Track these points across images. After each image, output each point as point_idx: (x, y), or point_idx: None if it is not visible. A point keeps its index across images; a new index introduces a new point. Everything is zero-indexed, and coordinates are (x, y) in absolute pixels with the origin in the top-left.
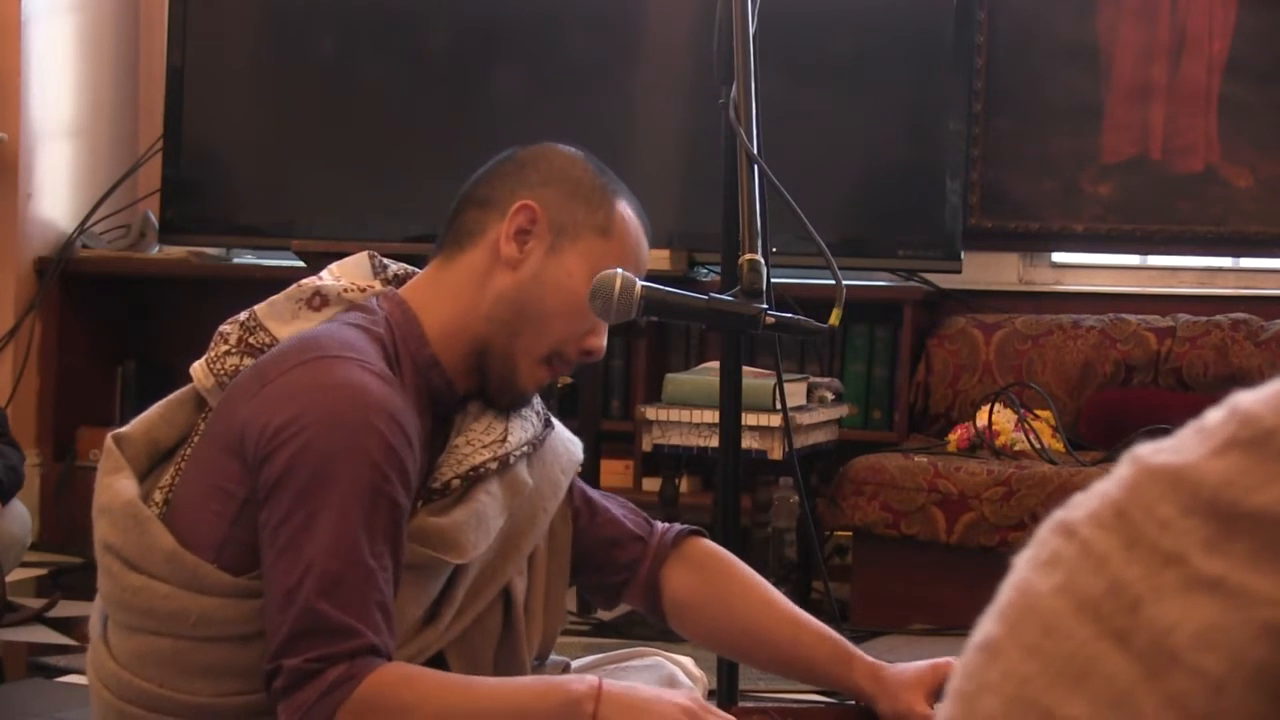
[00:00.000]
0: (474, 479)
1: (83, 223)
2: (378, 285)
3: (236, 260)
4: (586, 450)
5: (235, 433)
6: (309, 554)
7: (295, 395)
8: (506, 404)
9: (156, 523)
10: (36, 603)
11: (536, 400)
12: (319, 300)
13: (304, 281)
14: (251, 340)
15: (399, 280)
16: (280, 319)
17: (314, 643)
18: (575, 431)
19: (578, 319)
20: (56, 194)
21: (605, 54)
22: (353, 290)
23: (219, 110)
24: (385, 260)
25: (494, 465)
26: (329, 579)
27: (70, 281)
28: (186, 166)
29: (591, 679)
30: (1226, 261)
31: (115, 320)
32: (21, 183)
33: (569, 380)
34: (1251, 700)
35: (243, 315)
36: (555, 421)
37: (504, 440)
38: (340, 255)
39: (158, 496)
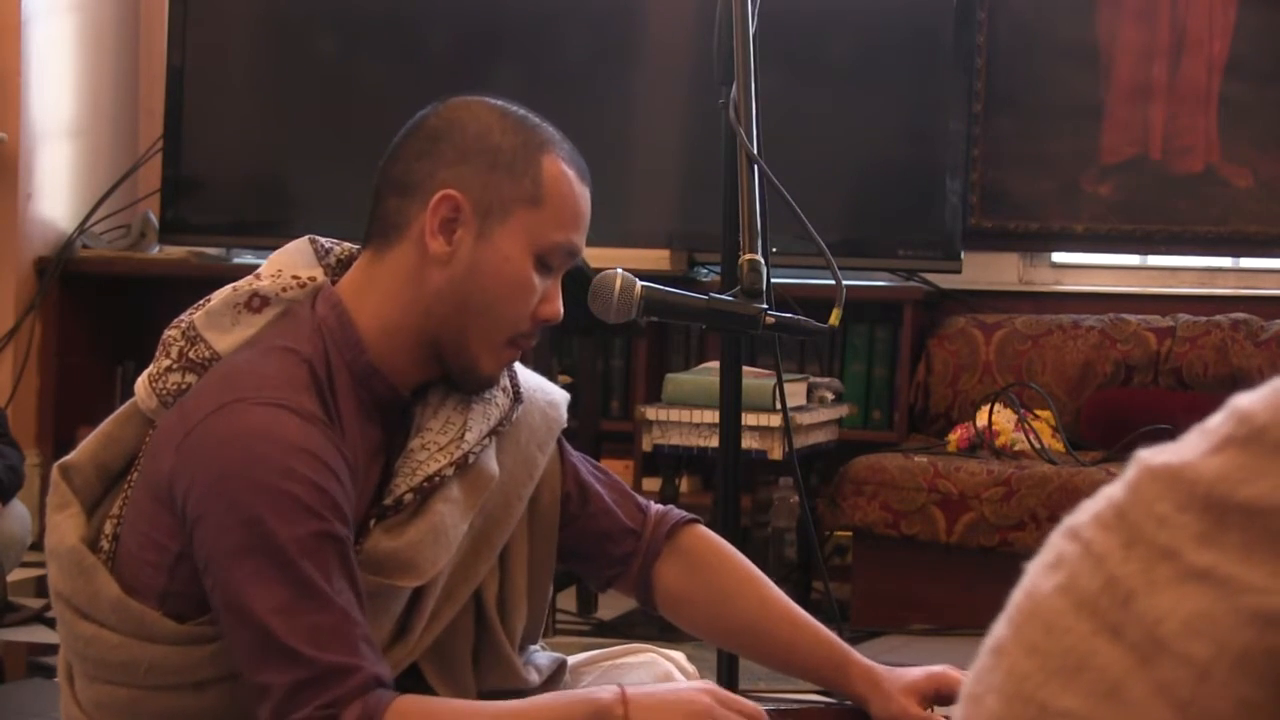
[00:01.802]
0: (429, 490)
1: (83, 223)
2: (319, 275)
3: (236, 260)
4: (586, 451)
5: (163, 485)
6: (271, 610)
7: (212, 450)
8: (473, 390)
9: (102, 570)
10: (36, 603)
11: (504, 374)
12: (258, 302)
13: (239, 284)
14: (192, 354)
15: (343, 264)
16: (219, 329)
17: (318, 689)
18: (575, 432)
19: (524, 298)
20: (56, 194)
21: (605, 54)
22: (292, 287)
23: (219, 110)
24: (327, 243)
25: (450, 471)
26: (305, 628)
27: (70, 281)
28: (186, 166)
29: (614, 686)
30: (1226, 261)
31: (115, 320)
32: (21, 183)
33: (569, 380)
34: (1236, 685)
35: (184, 320)
36: (528, 387)
37: (461, 439)
38: None
39: (108, 529)
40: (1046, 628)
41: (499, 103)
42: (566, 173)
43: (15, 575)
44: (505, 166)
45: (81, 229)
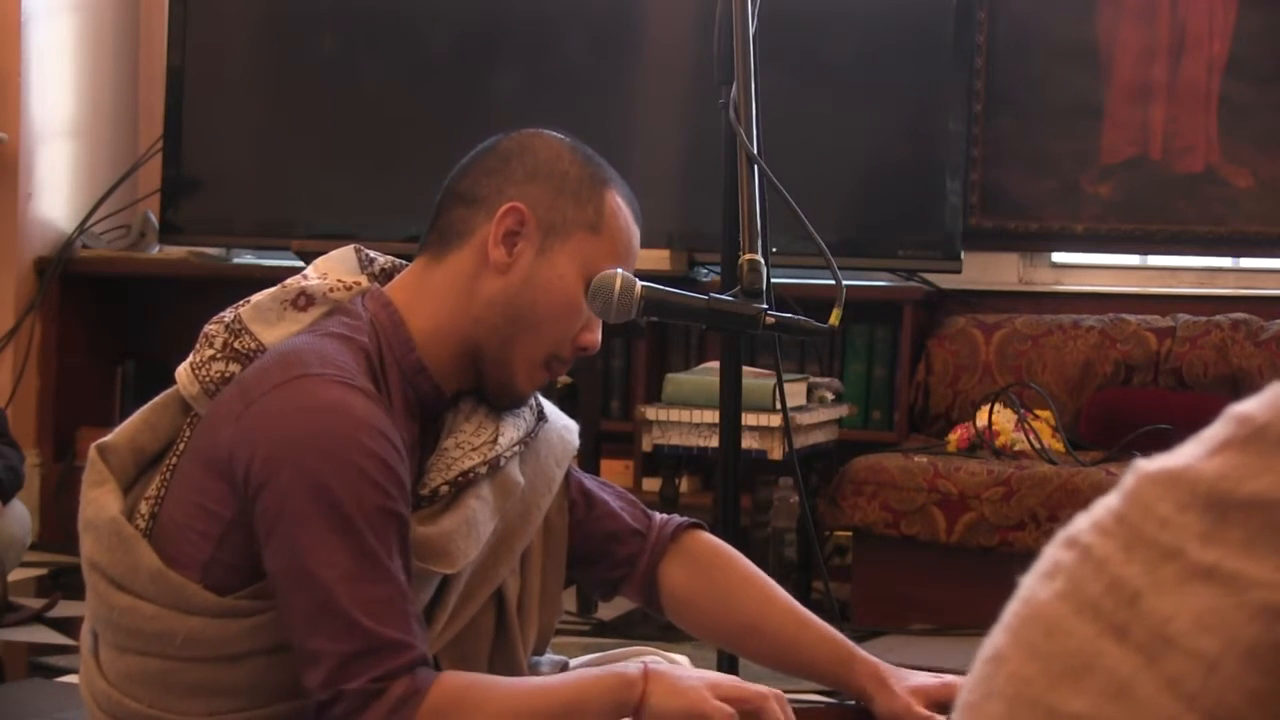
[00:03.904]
0: (463, 484)
1: (83, 223)
2: (364, 281)
3: (236, 260)
4: (586, 451)
5: (221, 454)
6: (335, 576)
7: (280, 419)
8: (504, 406)
9: (141, 541)
10: (36, 603)
11: None
12: (304, 300)
13: (289, 281)
14: (237, 345)
15: (386, 274)
16: (265, 322)
17: (371, 662)
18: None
19: (571, 319)
20: (56, 194)
21: (605, 54)
22: (339, 289)
23: (219, 110)
24: (372, 253)
25: (484, 470)
26: (364, 598)
27: (70, 281)
28: (186, 166)
29: (639, 662)
30: (1226, 261)
31: (115, 320)
32: (21, 183)
33: (569, 380)
34: (1245, 677)
35: (228, 315)
36: (549, 410)
37: (495, 442)
38: None
39: (144, 509)
40: (1048, 632)
41: (568, 138)
42: (625, 211)
43: (15, 575)
44: (572, 192)
45: (81, 229)
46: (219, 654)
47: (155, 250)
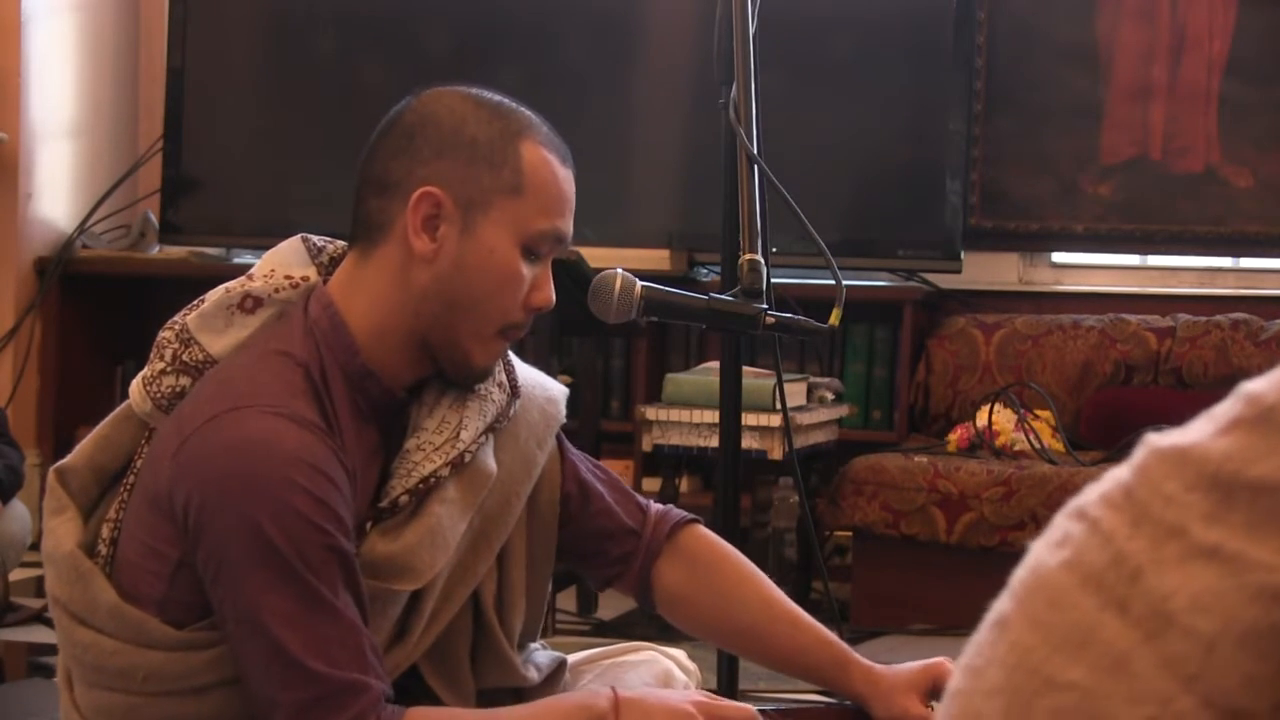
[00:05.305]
0: (425, 491)
1: (83, 223)
2: (313, 274)
3: (236, 260)
4: (586, 451)
5: (162, 494)
6: (282, 623)
7: (211, 460)
8: (469, 384)
9: (99, 576)
10: (36, 603)
11: (500, 369)
12: (251, 303)
13: (231, 285)
14: (185, 357)
15: (335, 263)
16: (213, 330)
17: (332, 706)
18: (575, 432)
19: (514, 288)
20: (56, 194)
21: (605, 55)
22: (285, 288)
23: (219, 110)
24: (320, 241)
25: (446, 471)
26: (314, 641)
27: (70, 281)
28: (186, 166)
29: (608, 690)
30: (1226, 261)
31: (115, 320)
32: (21, 183)
33: (569, 380)
34: (1242, 659)
35: (177, 322)
36: (526, 382)
37: (456, 438)
38: None
39: (105, 533)
40: (1051, 602)
41: (473, 91)
42: (547, 158)
43: (15, 575)
44: (484, 158)
45: (81, 229)
46: (182, 687)
47: (155, 250)
